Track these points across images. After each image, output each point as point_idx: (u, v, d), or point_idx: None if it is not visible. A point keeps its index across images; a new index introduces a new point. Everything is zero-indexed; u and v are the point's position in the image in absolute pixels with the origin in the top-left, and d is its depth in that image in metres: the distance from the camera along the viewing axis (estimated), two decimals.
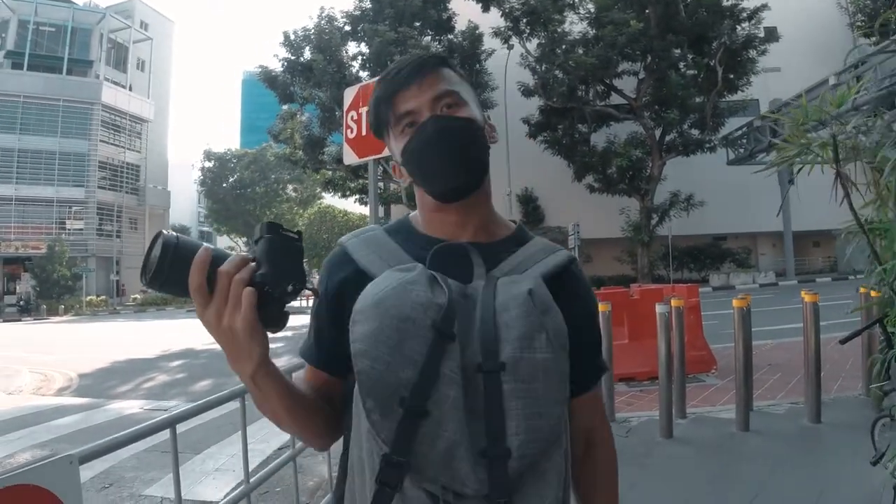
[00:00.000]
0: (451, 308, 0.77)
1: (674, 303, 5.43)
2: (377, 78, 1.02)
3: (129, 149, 47.88)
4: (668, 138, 25.85)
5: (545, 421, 0.75)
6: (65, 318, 32.71)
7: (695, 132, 25.57)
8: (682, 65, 24.94)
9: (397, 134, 0.95)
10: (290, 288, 0.77)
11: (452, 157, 0.91)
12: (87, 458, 1.72)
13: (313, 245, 36.86)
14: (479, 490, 0.72)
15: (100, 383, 10.01)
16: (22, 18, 44.65)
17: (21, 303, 36.27)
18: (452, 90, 0.94)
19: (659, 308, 5.16)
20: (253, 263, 0.77)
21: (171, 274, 0.75)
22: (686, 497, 3.79)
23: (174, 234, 0.78)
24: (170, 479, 4.59)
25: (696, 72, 25.00)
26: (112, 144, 46.12)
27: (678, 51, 24.28)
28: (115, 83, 47.37)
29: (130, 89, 48.88)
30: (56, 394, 9.26)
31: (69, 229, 42.11)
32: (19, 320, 31.99)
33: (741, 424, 4.97)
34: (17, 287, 39.13)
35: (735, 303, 5.34)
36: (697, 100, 24.50)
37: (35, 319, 32.42)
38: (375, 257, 0.91)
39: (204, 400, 2.40)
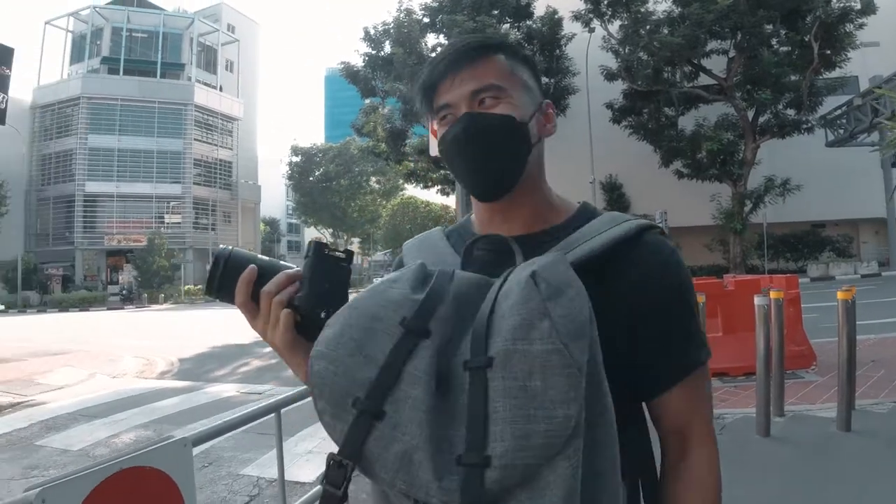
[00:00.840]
0: (428, 303, 0.71)
1: (773, 294, 5.15)
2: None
3: (221, 146, 50.28)
4: (761, 120, 24.51)
5: (541, 425, 0.61)
6: (164, 306, 34.76)
7: (790, 112, 24.12)
8: (774, 41, 23.58)
9: (438, 124, 0.92)
10: (322, 314, 0.79)
11: (477, 162, 0.87)
12: (199, 440, 1.79)
13: (396, 235, 37.45)
14: (446, 502, 0.62)
15: (198, 367, 10.55)
16: (115, 26, 47.61)
17: (124, 292, 38.83)
18: (494, 84, 0.87)
19: (758, 300, 4.92)
20: (296, 283, 0.83)
21: (223, 286, 0.84)
22: (783, 498, 3.59)
23: (228, 249, 0.85)
24: (265, 459, 4.81)
25: (789, 48, 23.49)
26: (205, 142, 48.56)
27: (770, 26, 22.94)
28: (206, 84, 49.79)
29: (220, 90, 51.25)
30: (157, 377, 9.80)
31: (167, 223, 44.67)
32: (122, 308, 34.23)
33: (842, 424, 4.66)
34: (120, 277, 41.90)
35: (839, 294, 5.00)
36: (792, 78, 23.04)
37: (137, 307, 34.63)
38: (420, 258, 0.87)
39: (305, 385, 2.47)
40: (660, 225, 0.91)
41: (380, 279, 0.81)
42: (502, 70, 0.88)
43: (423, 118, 4.51)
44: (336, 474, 0.67)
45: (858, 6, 22.31)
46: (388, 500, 0.72)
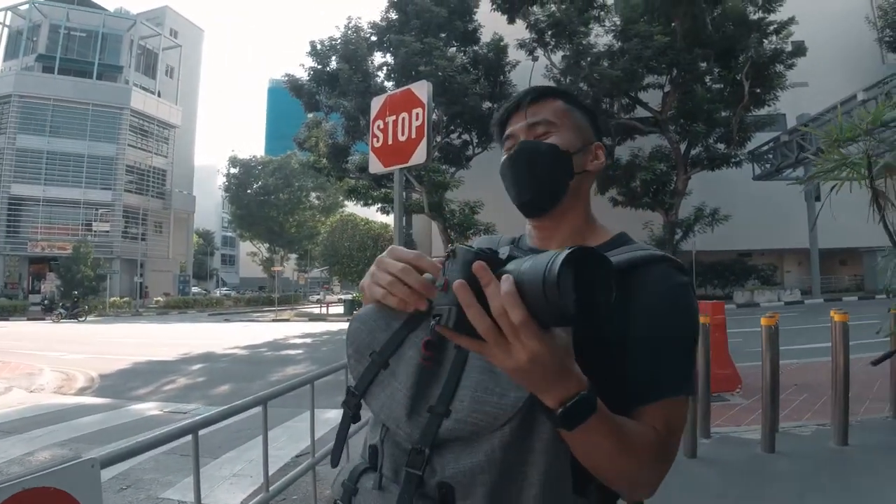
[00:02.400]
0: (439, 294, 0.83)
1: (700, 320, 5.32)
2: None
3: (156, 153, 48.78)
4: (693, 152, 25.62)
5: (495, 398, 0.77)
6: (88, 318, 33.17)
7: (721, 146, 25.33)
8: (708, 78, 24.76)
9: (504, 153, 1.07)
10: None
11: (521, 179, 1.03)
12: (108, 462, 1.70)
13: (334, 252, 37.00)
14: (409, 435, 0.82)
15: (121, 384, 10.07)
16: (54, 23, 45.87)
17: (45, 302, 36.87)
18: (547, 119, 1.03)
19: None
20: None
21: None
22: None
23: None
24: (187, 482, 4.62)
25: (722, 86, 24.77)
26: (139, 149, 47.02)
27: (704, 64, 24.10)
28: (144, 89, 48.35)
29: (159, 95, 49.84)
30: (77, 393, 9.32)
31: (95, 231, 42.88)
32: (43, 319, 32.49)
33: (766, 445, 4.84)
34: (42, 286, 39.86)
35: (763, 321, 5.22)
36: (724, 114, 24.23)
37: (61, 319, 32.89)
38: None
39: (228, 406, 2.39)
40: (675, 258, 0.94)
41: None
42: (557, 110, 1.04)
43: (366, 136, 4.51)
44: (350, 401, 0.91)
45: (789, 48, 23.72)
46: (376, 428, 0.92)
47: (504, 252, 0.74)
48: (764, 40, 23.55)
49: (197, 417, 2.13)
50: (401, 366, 0.87)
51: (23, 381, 9.90)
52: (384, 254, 0.91)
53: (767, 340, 5.11)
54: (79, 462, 1.61)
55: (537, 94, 1.06)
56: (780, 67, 23.92)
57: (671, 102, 24.90)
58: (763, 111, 25.06)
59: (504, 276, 0.66)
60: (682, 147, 25.40)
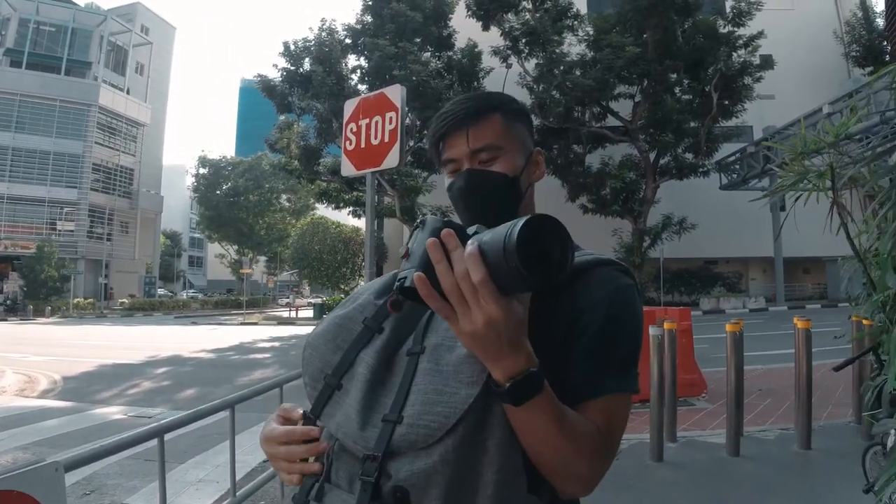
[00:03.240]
0: (383, 308, 0.92)
1: (666, 325, 5.42)
2: (437, 114, 1.08)
3: (123, 152, 47.85)
4: (662, 161, 26.08)
5: (445, 397, 0.79)
6: (51, 319, 32.39)
7: (689, 156, 25.83)
8: (678, 89, 25.19)
9: (445, 172, 1.06)
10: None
11: (475, 211, 1.00)
12: (72, 465, 1.69)
13: (304, 255, 36.67)
14: (363, 446, 0.82)
15: (84, 387, 9.89)
16: (23, 17, 44.74)
17: (7, 302, 35.91)
18: (491, 144, 1.00)
19: (652, 331, 5.15)
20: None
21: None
22: None
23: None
24: (152, 488, 4.55)
25: (691, 97, 25.29)
26: (107, 147, 46.09)
27: (674, 76, 24.52)
28: (113, 86, 47.42)
29: (128, 93, 48.94)
30: (40, 396, 9.14)
31: (59, 230, 41.94)
32: (5, 320, 31.65)
33: (731, 449, 4.96)
34: (4, 286, 38.76)
35: (728, 327, 5.34)
36: (692, 124, 24.75)
37: (21, 320, 32.09)
38: None
39: (194, 409, 2.37)
40: (620, 262, 0.97)
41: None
42: (499, 130, 1.02)
43: (338, 138, 4.51)
44: (307, 424, 0.91)
45: (758, 61, 24.28)
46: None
47: (471, 230, 0.78)
48: (733, 53, 24.10)
49: (163, 421, 2.11)
50: (352, 383, 0.88)
51: None
52: (264, 435, 0.95)
53: (732, 346, 5.23)
54: (42, 465, 1.59)
55: (476, 114, 1.01)
56: (748, 80, 24.51)
57: (641, 112, 25.29)
58: (731, 123, 25.65)
59: (469, 241, 0.72)
60: (652, 156, 25.84)
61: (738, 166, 27.89)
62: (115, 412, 7.82)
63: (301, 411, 0.93)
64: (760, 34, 23.89)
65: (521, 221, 0.67)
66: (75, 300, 36.88)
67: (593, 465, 0.84)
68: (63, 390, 9.63)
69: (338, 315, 0.98)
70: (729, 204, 29.23)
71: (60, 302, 36.15)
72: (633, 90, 25.64)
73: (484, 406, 0.78)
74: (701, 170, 26.00)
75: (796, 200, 2.15)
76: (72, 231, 42.52)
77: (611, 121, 26.45)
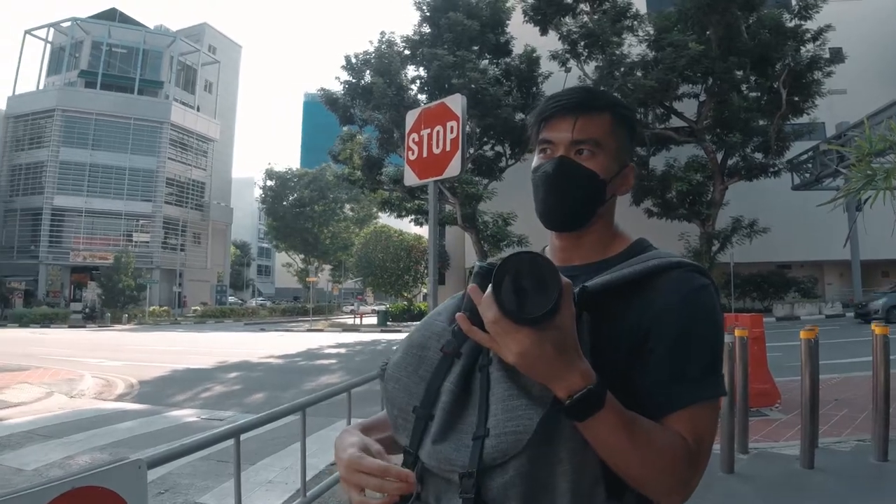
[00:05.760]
0: (459, 333, 0.87)
1: (737, 333, 5.24)
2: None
3: (195, 166, 49.92)
4: (730, 162, 25.16)
5: (524, 401, 0.80)
6: (128, 326, 33.96)
7: (758, 156, 24.82)
8: (744, 87, 24.29)
9: (536, 152, 1.04)
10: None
11: (554, 199, 1.00)
12: (154, 463, 1.76)
13: (368, 263, 37.21)
14: (461, 468, 0.81)
15: (159, 391, 10.30)
16: (96, 40, 47.38)
17: (87, 310, 37.87)
18: (594, 139, 0.99)
19: None
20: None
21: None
22: None
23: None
24: (223, 488, 4.70)
25: (759, 94, 24.33)
26: (179, 162, 48.19)
27: (740, 73, 23.65)
28: (184, 104, 49.59)
29: (198, 110, 51.09)
30: (116, 399, 9.54)
31: (136, 242, 44.03)
32: (84, 327, 33.33)
33: (806, 461, 4.73)
34: (84, 295, 40.93)
35: (803, 334, 5.11)
36: (761, 123, 23.77)
37: (99, 326, 33.76)
38: None
39: (268, 412, 2.45)
40: (693, 262, 0.94)
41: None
42: (605, 129, 1.00)
43: (399, 148, 4.57)
44: (407, 461, 0.90)
45: (827, 55, 23.19)
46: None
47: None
48: (801, 47, 23.08)
49: (239, 422, 2.19)
50: (439, 412, 0.88)
51: (64, 387, 10.16)
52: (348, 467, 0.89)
53: (807, 354, 5.00)
54: (127, 462, 1.67)
55: (589, 107, 1.00)
56: (817, 75, 23.37)
57: (707, 112, 24.51)
58: (801, 120, 24.52)
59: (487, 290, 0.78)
60: (719, 157, 24.94)
61: (810, 165, 26.64)
62: (188, 415, 8.10)
63: (378, 447, 0.91)
64: (829, 27, 22.77)
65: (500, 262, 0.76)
66: (151, 308, 38.55)
67: (684, 478, 0.85)
68: (139, 394, 10.04)
69: (414, 344, 0.96)
70: (802, 205, 27.99)
71: (137, 310, 37.86)
72: (697, 89, 24.87)
73: (555, 417, 0.79)
74: (771, 170, 24.93)
75: (865, 202, 2.05)
76: (147, 242, 44.62)
77: (675, 121, 25.74)
